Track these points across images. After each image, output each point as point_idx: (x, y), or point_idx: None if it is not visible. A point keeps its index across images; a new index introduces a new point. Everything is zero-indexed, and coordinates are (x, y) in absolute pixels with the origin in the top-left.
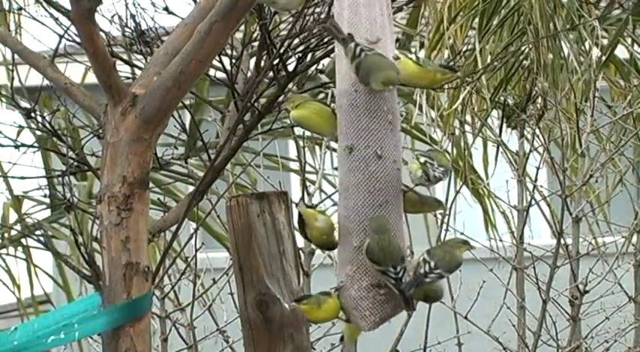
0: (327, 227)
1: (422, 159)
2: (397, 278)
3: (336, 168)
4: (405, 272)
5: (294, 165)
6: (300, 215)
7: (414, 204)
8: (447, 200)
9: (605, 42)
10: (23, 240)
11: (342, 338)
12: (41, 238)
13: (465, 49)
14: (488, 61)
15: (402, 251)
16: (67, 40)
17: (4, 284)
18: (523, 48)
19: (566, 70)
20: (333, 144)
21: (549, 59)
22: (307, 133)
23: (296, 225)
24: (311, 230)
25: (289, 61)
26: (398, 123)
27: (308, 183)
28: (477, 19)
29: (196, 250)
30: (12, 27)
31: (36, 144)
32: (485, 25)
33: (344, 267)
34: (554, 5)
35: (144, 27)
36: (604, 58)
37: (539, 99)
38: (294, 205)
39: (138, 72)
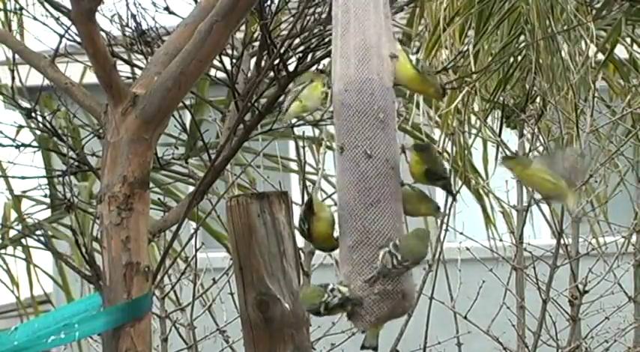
0: (332, 220)
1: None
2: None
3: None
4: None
5: (294, 165)
6: (309, 203)
7: (412, 202)
8: (446, 199)
9: (602, 41)
10: (23, 240)
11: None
12: (41, 238)
13: (464, 49)
14: (486, 61)
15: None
16: (68, 39)
17: (4, 284)
18: (521, 48)
19: (563, 69)
20: (334, 145)
21: (547, 59)
22: (307, 133)
23: (296, 223)
24: (317, 221)
25: (290, 61)
26: (391, 122)
27: (308, 183)
28: (474, 20)
29: (196, 250)
30: (13, 27)
31: (35, 144)
32: (483, 26)
33: (342, 267)
34: (550, 5)
35: (144, 27)
36: (603, 58)
37: (539, 99)
38: (294, 205)
39: (138, 72)
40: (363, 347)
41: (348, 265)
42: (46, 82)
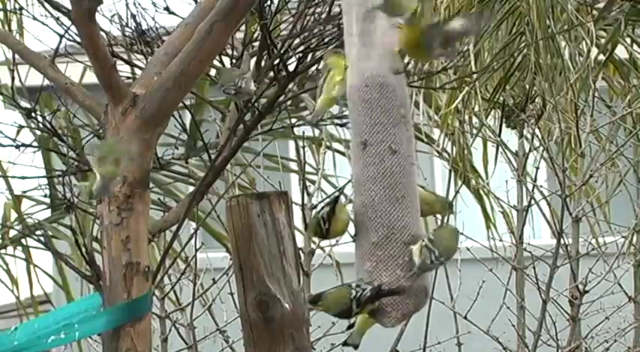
0: (349, 220)
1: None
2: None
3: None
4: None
5: (294, 165)
6: (334, 203)
7: (426, 203)
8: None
9: (603, 41)
10: (23, 240)
11: (350, 326)
12: (41, 238)
13: (464, 49)
14: (487, 61)
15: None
16: (68, 39)
17: (4, 284)
18: (521, 48)
19: (563, 70)
20: (334, 145)
21: (547, 59)
22: (307, 133)
23: (296, 223)
24: (336, 221)
25: (290, 61)
26: (410, 119)
27: (308, 183)
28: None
29: (196, 250)
30: (13, 27)
31: (35, 144)
32: (483, 26)
33: (362, 264)
34: (551, 6)
35: (144, 27)
36: (603, 58)
37: (538, 99)
38: (294, 205)
39: (138, 72)
40: (345, 343)
41: (370, 261)
42: (46, 82)
